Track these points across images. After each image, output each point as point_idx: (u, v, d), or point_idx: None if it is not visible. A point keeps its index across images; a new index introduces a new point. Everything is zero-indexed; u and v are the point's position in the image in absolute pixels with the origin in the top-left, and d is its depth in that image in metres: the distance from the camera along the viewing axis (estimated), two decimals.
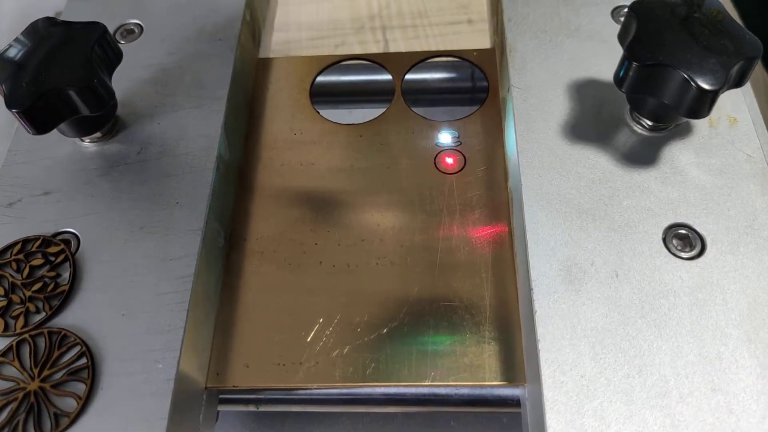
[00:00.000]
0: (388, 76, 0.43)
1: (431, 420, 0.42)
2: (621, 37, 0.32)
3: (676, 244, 0.31)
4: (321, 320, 0.34)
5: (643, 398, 0.27)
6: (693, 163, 0.33)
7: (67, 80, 0.31)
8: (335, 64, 0.44)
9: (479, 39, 0.47)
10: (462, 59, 0.43)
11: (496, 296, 0.34)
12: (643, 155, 0.34)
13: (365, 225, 0.36)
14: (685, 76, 0.29)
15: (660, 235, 0.31)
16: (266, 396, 0.36)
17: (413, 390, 0.35)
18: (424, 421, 0.42)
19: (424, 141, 0.39)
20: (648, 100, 0.32)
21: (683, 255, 0.31)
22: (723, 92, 0.30)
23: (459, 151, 0.38)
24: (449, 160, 0.38)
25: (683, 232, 0.31)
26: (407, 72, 0.43)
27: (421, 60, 0.43)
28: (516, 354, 0.32)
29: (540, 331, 0.29)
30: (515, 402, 0.35)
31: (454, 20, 0.51)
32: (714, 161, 0.33)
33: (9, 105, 0.31)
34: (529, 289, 0.30)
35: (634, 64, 0.30)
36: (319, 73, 0.43)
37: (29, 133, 0.32)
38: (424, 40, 0.48)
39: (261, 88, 0.43)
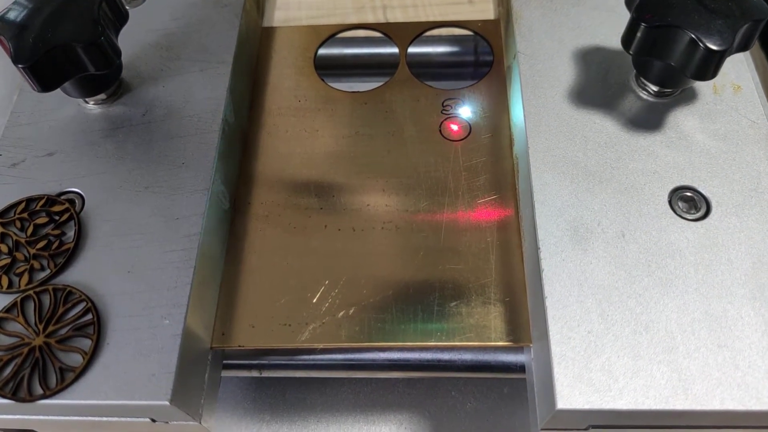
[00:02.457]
0: (391, 48, 0.43)
1: (432, 389, 0.42)
2: (628, 1, 0.32)
3: (681, 206, 0.31)
4: (326, 282, 0.34)
5: (650, 353, 0.27)
6: (698, 129, 0.33)
7: (74, 36, 0.31)
8: (339, 32, 0.44)
9: (480, 17, 0.47)
10: (466, 29, 0.43)
11: (502, 260, 0.34)
12: (648, 120, 0.34)
13: (370, 190, 0.36)
14: (693, 36, 0.29)
15: (666, 198, 0.31)
16: (269, 361, 0.36)
17: (417, 355, 0.35)
18: (425, 390, 0.42)
19: (429, 108, 0.39)
20: (654, 63, 0.32)
21: (688, 216, 0.31)
22: (729, 55, 0.30)
23: (464, 119, 0.39)
24: (454, 127, 0.38)
25: (688, 194, 0.31)
26: (412, 41, 0.43)
27: (425, 30, 0.43)
28: (521, 316, 0.32)
29: (547, 288, 0.29)
30: (518, 368, 0.35)
31: (454, 0, 0.51)
32: (718, 127, 0.33)
33: (15, 60, 0.31)
34: (536, 249, 0.30)
35: (643, 25, 0.30)
36: (324, 41, 0.43)
37: (34, 90, 0.32)
38: (425, 20, 0.48)
39: (265, 56, 0.43)
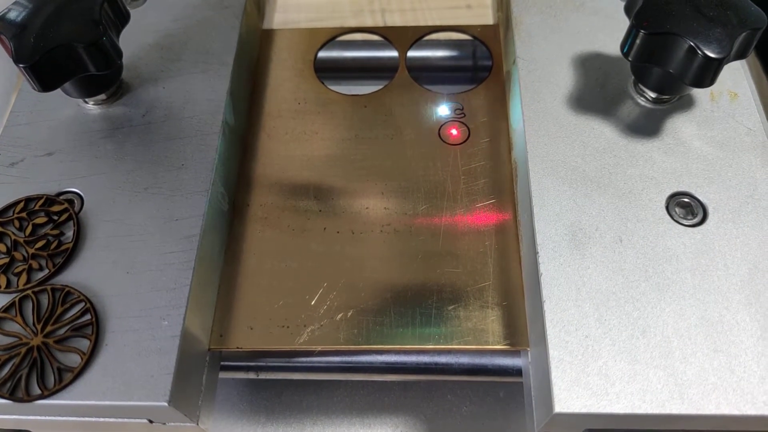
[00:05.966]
0: (391, 52, 0.43)
1: (428, 393, 0.43)
2: (627, 9, 0.32)
3: (678, 212, 0.31)
4: (325, 284, 0.34)
5: (647, 358, 0.28)
6: (695, 135, 0.34)
7: (75, 36, 0.31)
8: (340, 35, 0.44)
9: (478, 22, 0.47)
10: (465, 33, 0.43)
11: (500, 264, 0.34)
12: (646, 127, 0.34)
13: (369, 193, 0.37)
14: (692, 44, 0.29)
15: (663, 203, 0.32)
16: (267, 363, 0.36)
17: (414, 358, 0.35)
18: (421, 393, 0.43)
19: (429, 112, 0.39)
20: (653, 70, 0.33)
21: (685, 222, 0.31)
22: (727, 62, 0.30)
23: (463, 123, 0.39)
24: (453, 132, 0.38)
25: (686, 200, 0.32)
26: (412, 45, 0.43)
27: (425, 33, 0.44)
28: (519, 320, 0.33)
29: (545, 292, 0.29)
30: (515, 371, 0.35)
31: (453, 5, 0.51)
32: (715, 134, 0.34)
33: (17, 60, 0.31)
34: (535, 253, 0.30)
35: (642, 32, 0.30)
36: (324, 44, 0.43)
37: (35, 89, 0.32)
38: (423, 24, 0.48)
39: (265, 59, 0.43)
